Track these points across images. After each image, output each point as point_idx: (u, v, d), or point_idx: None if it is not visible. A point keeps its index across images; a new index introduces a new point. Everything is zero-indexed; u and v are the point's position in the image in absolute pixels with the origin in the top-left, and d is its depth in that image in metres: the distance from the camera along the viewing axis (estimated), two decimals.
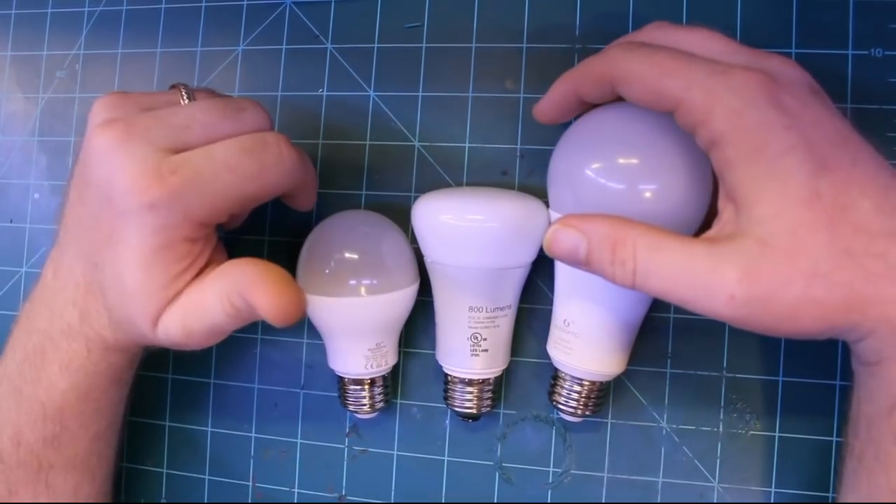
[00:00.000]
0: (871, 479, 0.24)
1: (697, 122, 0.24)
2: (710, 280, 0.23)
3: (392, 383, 0.35)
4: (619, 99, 0.27)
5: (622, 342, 0.30)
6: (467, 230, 0.30)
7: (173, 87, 0.29)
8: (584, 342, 0.30)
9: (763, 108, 0.23)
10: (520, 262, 0.31)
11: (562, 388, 0.31)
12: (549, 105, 0.29)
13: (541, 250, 0.31)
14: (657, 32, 0.27)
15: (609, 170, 0.27)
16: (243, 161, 0.26)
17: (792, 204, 0.22)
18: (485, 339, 0.31)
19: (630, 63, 0.25)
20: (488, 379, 0.32)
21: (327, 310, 0.31)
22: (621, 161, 0.27)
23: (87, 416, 0.30)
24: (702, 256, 0.23)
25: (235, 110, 0.28)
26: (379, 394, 0.33)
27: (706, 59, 0.24)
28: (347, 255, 0.31)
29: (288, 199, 0.32)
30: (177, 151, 0.26)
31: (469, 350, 0.32)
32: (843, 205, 0.22)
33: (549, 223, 0.30)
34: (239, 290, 0.25)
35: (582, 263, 0.25)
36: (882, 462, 0.23)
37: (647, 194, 0.26)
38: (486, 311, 0.31)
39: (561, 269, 0.30)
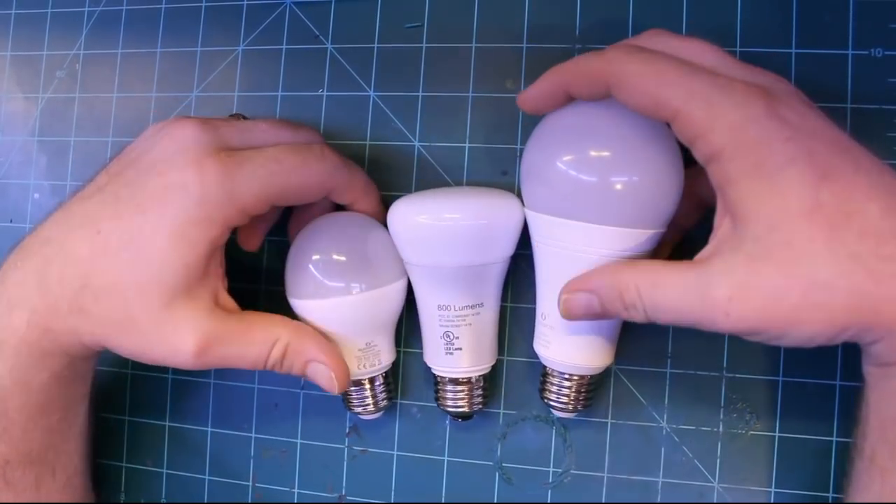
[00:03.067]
0: (886, 480, 0.24)
1: (696, 134, 0.24)
2: (704, 303, 0.24)
3: (393, 382, 0.35)
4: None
5: (599, 335, 0.30)
6: (438, 229, 0.30)
7: (232, 116, 0.32)
8: (560, 335, 0.30)
9: (763, 121, 0.23)
10: (491, 258, 0.31)
11: (551, 384, 0.31)
12: (535, 94, 0.29)
13: (518, 246, 0.31)
14: (655, 39, 0.27)
15: (580, 162, 0.27)
16: (288, 156, 0.29)
17: (790, 217, 0.22)
18: (457, 338, 0.32)
19: (630, 67, 0.25)
20: (473, 378, 0.32)
21: (316, 312, 0.31)
22: (593, 153, 0.27)
23: (31, 409, 0.29)
24: (694, 282, 0.24)
25: (293, 127, 0.31)
26: (381, 393, 0.33)
27: (707, 70, 0.24)
28: (335, 256, 0.31)
29: (349, 207, 0.33)
30: (238, 149, 0.29)
31: (443, 349, 0.32)
32: (848, 211, 0.22)
33: (524, 219, 0.30)
34: (307, 354, 0.30)
35: (601, 317, 0.27)
36: None
37: (619, 186, 0.26)
38: (455, 310, 0.31)
39: (538, 264, 0.30)
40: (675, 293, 0.24)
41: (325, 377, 0.30)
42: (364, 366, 0.32)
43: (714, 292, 0.23)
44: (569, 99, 0.28)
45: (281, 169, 0.29)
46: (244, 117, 0.32)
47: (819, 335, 0.23)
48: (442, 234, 0.30)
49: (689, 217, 0.30)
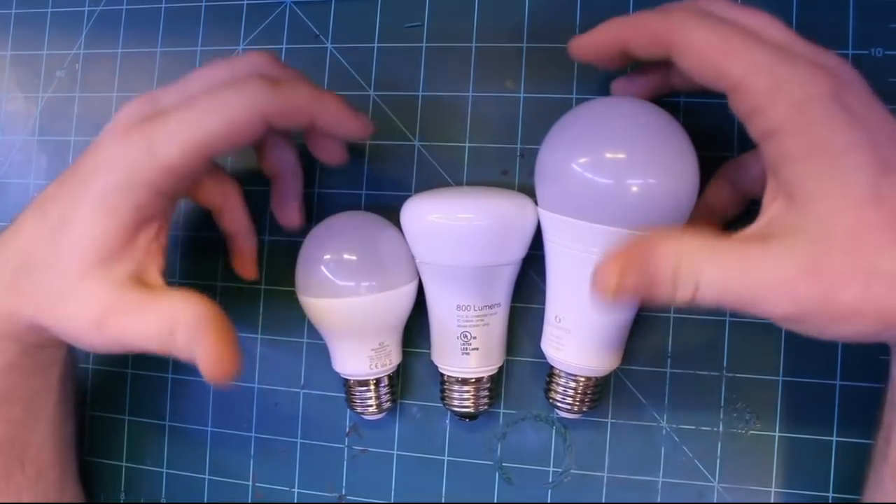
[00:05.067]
0: None
1: (755, 108, 0.23)
2: (768, 280, 0.22)
3: (397, 383, 0.34)
4: (660, 67, 0.26)
5: (614, 337, 0.30)
6: (454, 228, 0.30)
7: None
8: (575, 337, 0.30)
9: (827, 103, 0.22)
10: (506, 259, 0.31)
11: (557, 385, 0.31)
12: (590, 43, 0.28)
13: (531, 247, 0.31)
14: (714, 5, 0.26)
15: (596, 164, 0.27)
16: (205, 99, 0.27)
17: (854, 203, 0.22)
18: (474, 338, 0.31)
19: (694, 32, 0.24)
20: (482, 378, 0.32)
21: (328, 312, 0.31)
22: (608, 155, 0.27)
23: None
24: (757, 257, 0.22)
25: (227, 65, 0.29)
26: (385, 393, 0.33)
27: (773, 44, 0.23)
28: (346, 256, 0.31)
29: (315, 150, 0.32)
30: None
31: (459, 349, 0.32)
32: None
33: (538, 221, 0.30)
34: (191, 334, 0.25)
35: (643, 298, 0.24)
36: None
37: (634, 189, 0.26)
38: (475, 310, 0.31)
39: (552, 266, 0.30)
40: (734, 266, 0.22)
41: (207, 372, 0.25)
42: (376, 365, 0.32)
43: (782, 270, 0.22)
44: (622, 56, 0.27)
45: (195, 115, 0.26)
46: None
47: (865, 330, 0.22)
48: (456, 234, 0.30)
49: (734, 207, 0.30)
